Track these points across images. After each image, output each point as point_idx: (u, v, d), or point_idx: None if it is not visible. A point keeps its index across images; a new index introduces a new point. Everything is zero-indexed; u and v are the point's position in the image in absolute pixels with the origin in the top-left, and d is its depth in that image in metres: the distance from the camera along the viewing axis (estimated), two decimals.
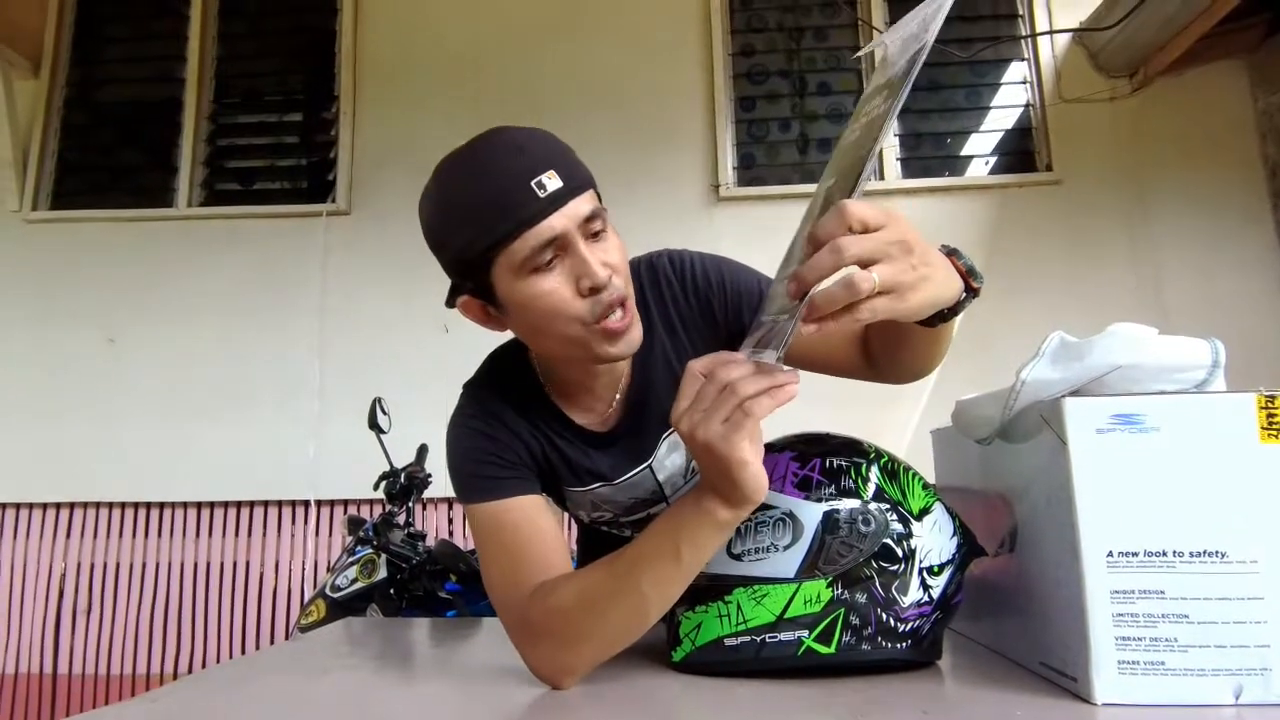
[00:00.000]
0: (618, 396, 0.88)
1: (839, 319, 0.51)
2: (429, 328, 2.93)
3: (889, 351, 0.84)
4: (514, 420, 0.85)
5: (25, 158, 3.22)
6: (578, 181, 0.73)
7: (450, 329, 2.95)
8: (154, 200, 3.22)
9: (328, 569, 2.10)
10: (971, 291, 0.65)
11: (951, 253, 0.65)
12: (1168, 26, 2.55)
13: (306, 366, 3.02)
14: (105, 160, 3.36)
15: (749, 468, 0.60)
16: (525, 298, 0.73)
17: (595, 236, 0.74)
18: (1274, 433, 0.62)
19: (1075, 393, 0.68)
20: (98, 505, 3.00)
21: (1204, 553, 0.61)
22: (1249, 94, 2.91)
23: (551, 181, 0.71)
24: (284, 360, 3.04)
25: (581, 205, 0.72)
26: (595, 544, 1.08)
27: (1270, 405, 0.62)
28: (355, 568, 1.88)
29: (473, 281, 0.77)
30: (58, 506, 3.02)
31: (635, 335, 0.77)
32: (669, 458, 0.91)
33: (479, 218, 0.73)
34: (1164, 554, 0.61)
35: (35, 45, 3.30)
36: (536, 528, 0.78)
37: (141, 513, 3.01)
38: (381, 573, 1.84)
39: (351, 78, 3.26)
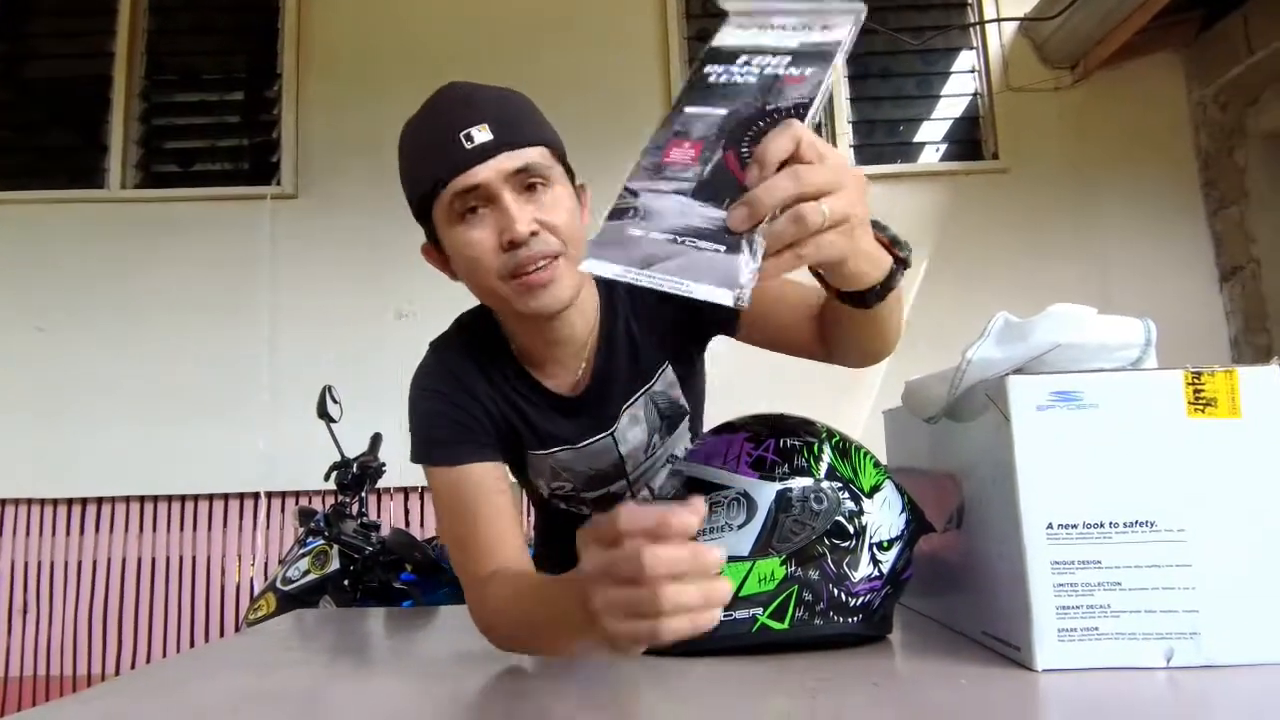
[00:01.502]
0: (583, 364, 0.88)
1: (780, 257, 0.47)
2: (382, 314, 2.87)
3: (838, 333, 0.85)
4: (475, 381, 0.86)
5: None
6: (514, 136, 0.75)
7: (403, 315, 2.89)
8: (85, 182, 3.07)
9: (279, 562, 2.05)
10: (899, 263, 0.62)
11: (872, 225, 0.59)
12: (1107, 19, 2.63)
13: (255, 355, 2.93)
14: (31, 139, 3.19)
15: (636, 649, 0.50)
16: (453, 246, 0.77)
17: (530, 190, 0.75)
18: (1200, 407, 0.65)
19: (1018, 371, 0.70)
20: (29, 502, 2.87)
21: (1136, 523, 0.63)
22: (1184, 86, 3.03)
23: (480, 134, 0.73)
24: (232, 348, 2.95)
25: (512, 159, 0.74)
26: (553, 527, 1.08)
27: (1196, 381, 0.65)
28: (307, 559, 1.84)
29: (426, 227, 0.81)
30: None
31: (559, 292, 0.77)
32: (630, 430, 0.92)
33: (417, 166, 0.78)
34: (1100, 525, 0.63)
35: None
36: (490, 502, 0.80)
37: (77, 509, 2.89)
38: (334, 564, 1.81)
39: (295, 55, 3.15)
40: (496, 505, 0.81)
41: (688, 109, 0.53)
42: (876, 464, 0.77)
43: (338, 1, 3.20)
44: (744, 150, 0.50)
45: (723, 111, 0.52)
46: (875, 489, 0.73)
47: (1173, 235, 2.99)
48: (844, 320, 0.75)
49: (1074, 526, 0.64)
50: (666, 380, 0.92)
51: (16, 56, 3.22)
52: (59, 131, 3.22)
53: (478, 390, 0.86)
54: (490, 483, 0.82)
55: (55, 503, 2.88)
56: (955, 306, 2.78)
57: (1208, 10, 2.86)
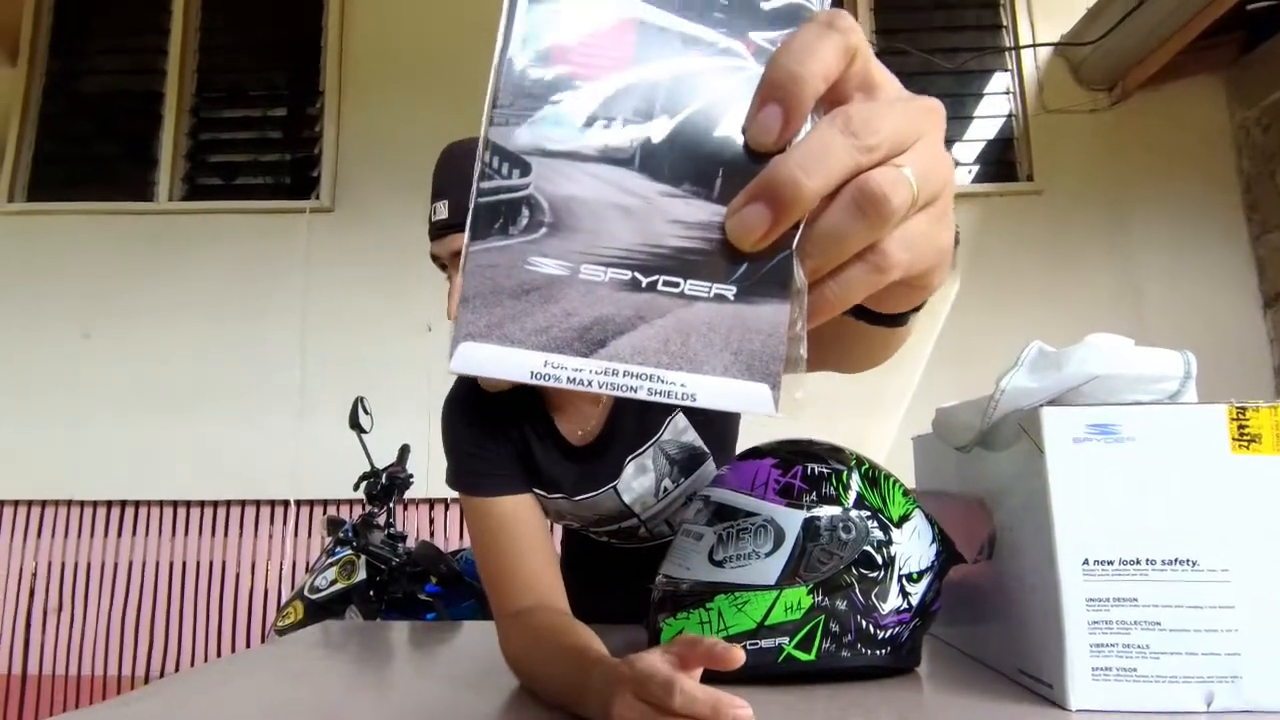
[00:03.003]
0: (601, 413, 0.88)
1: (838, 283, 0.26)
2: (413, 326, 2.91)
3: (837, 346, 0.78)
4: (497, 412, 0.86)
5: (1, 149, 3.16)
6: (464, 216, 0.74)
7: (433, 328, 2.93)
8: (133, 194, 3.17)
9: (306, 570, 2.07)
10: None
11: None
12: (1146, 41, 2.60)
13: (288, 364, 2.98)
14: (84, 152, 3.30)
15: None
16: None
17: None
18: (1244, 443, 0.63)
19: (1053, 402, 0.69)
20: (69, 504, 2.95)
21: (1176, 561, 0.62)
22: (1225, 108, 2.96)
23: (440, 210, 0.75)
24: (265, 358, 3.01)
25: (459, 241, 0.73)
26: (578, 545, 1.08)
27: (1241, 417, 0.63)
28: (334, 569, 1.86)
29: None
30: (29, 504, 2.96)
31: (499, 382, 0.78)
32: (636, 480, 0.90)
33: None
34: (1138, 562, 0.62)
35: (13, 35, 3.24)
36: (521, 535, 0.81)
37: (115, 511, 2.96)
38: (361, 574, 1.83)
39: (337, 73, 3.23)
40: (527, 538, 0.82)
41: None
42: (905, 493, 0.76)
43: (379, 22, 3.28)
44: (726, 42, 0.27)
45: None
46: (904, 518, 0.73)
47: (1212, 260, 2.92)
48: (849, 335, 0.58)
49: (1110, 563, 0.62)
50: (676, 429, 0.89)
51: (69, 73, 3.35)
52: (108, 145, 3.33)
53: (500, 421, 0.86)
54: (522, 514, 0.83)
55: (94, 504, 2.95)
56: (987, 329, 2.74)
57: (1249, 32, 2.80)
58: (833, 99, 0.26)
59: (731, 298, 0.24)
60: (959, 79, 3.11)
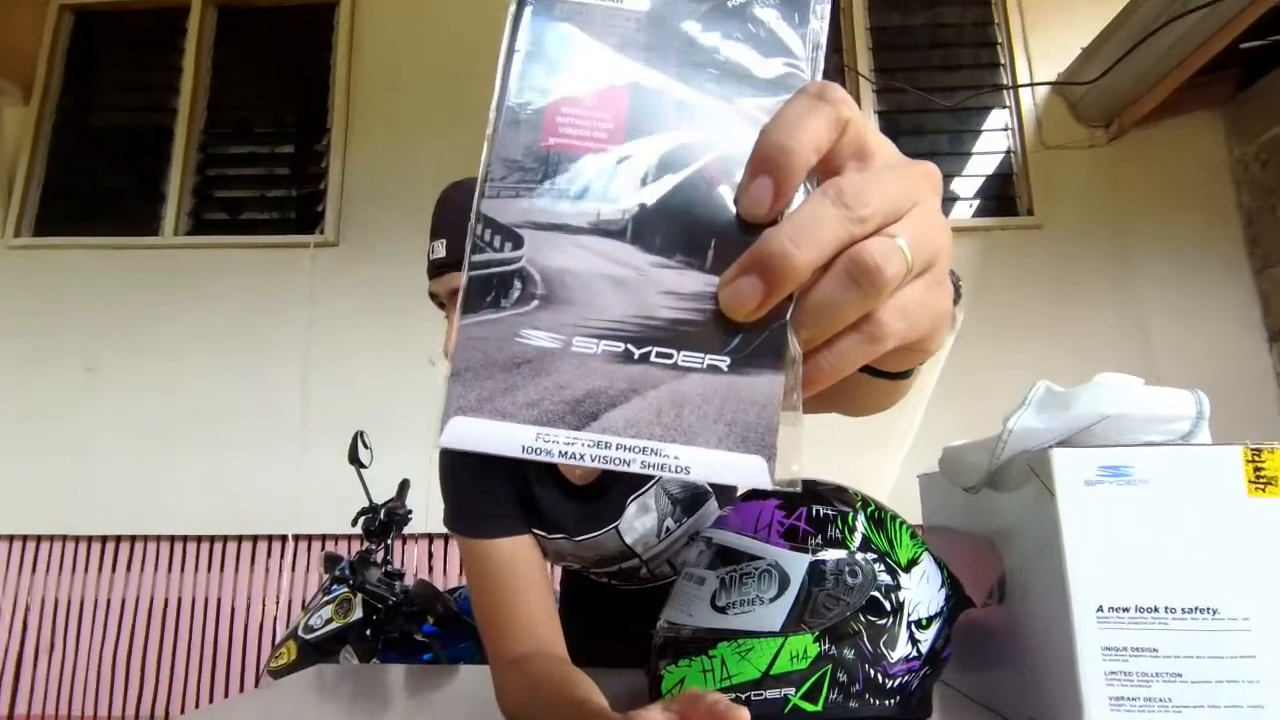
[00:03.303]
0: None
1: (832, 352, 0.26)
2: (415, 361, 2.91)
3: (836, 394, 0.77)
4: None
5: (10, 183, 3.20)
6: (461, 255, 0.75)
7: (436, 362, 2.92)
8: (139, 229, 3.19)
9: (302, 607, 2.04)
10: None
11: None
12: (1143, 79, 2.63)
13: (290, 398, 2.97)
14: (91, 187, 3.34)
15: None
16: None
17: None
18: (1261, 486, 0.62)
19: (1063, 443, 0.67)
20: (64, 539, 2.92)
21: (1195, 609, 0.60)
22: (1224, 144, 2.99)
23: (438, 249, 0.75)
24: (267, 391, 3.00)
25: (458, 279, 0.74)
26: (578, 586, 1.06)
27: (1257, 459, 0.62)
28: (330, 607, 1.83)
29: None
30: (24, 539, 2.93)
31: None
32: (638, 520, 0.88)
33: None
34: (1156, 610, 0.60)
35: (28, 71, 3.30)
36: (519, 580, 0.80)
37: (110, 546, 2.92)
38: (357, 613, 1.79)
39: (344, 110, 3.28)
40: (526, 582, 0.80)
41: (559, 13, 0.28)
42: (913, 535, 0.74)
43: (386, 61, 3.33)
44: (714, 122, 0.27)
45: (641, 9, 0.28)
46: (913, 562, 0.71)
47: (1216, 294, 2.92)
48: (853, 385, 0.56)
49: (1126, 610, 0.60)
50: None
51: (81, 109, 3.40)
52: (116, 180, 3.37)
53: (500, 460, 0.85)
54: (522, 556, 0.81)
55: (89, 540, 2.92)
56: (989, 363, 2.73)
57: (1244, 69, 2.84)
58: (826, 169, 0.26)
59: (725, 369, 0.24)
60: (957, 116, 3.14)
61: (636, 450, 0.23)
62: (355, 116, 3.28)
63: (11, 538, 2.93)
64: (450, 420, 0.23)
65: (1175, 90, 2.67)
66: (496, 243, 0.25)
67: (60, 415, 3.00)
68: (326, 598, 1.87)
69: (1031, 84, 3.00)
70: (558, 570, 1.05)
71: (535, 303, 0.24)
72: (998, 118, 3.17)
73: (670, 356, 0.24)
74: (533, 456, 0.23)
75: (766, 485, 0.24)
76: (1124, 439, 0.67)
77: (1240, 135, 2.95)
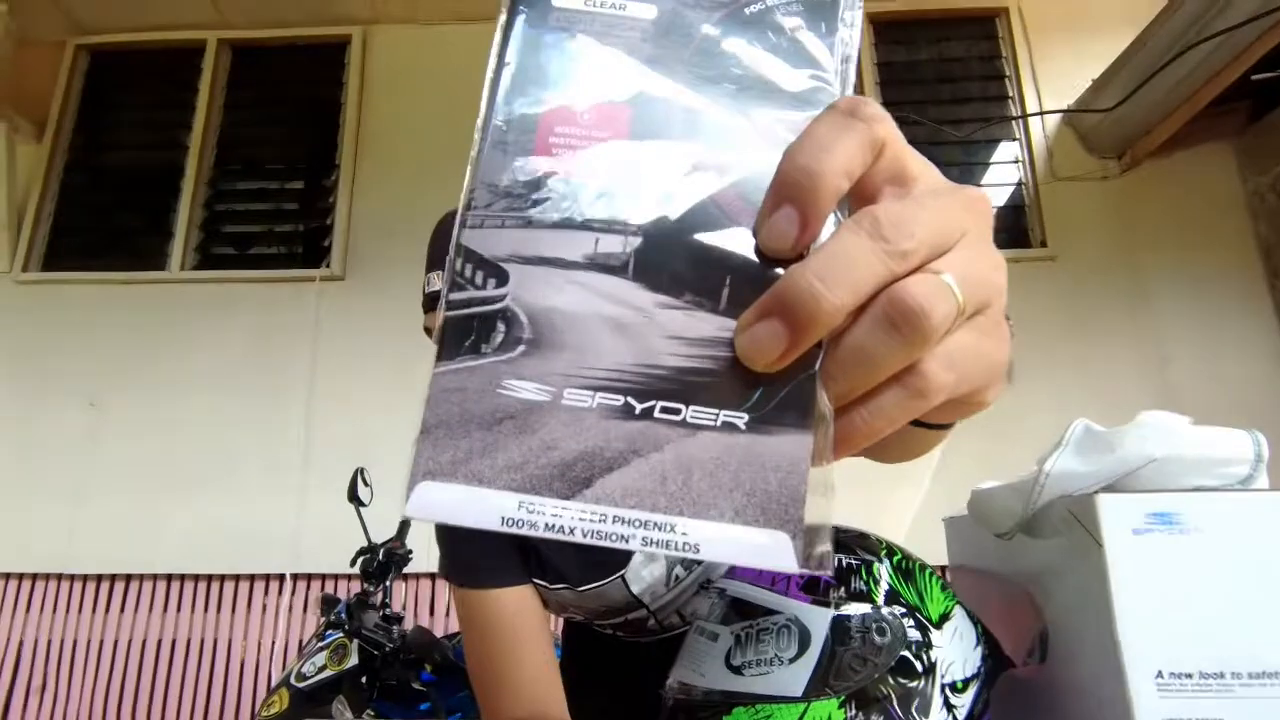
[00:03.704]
0: None
1: (868, 410, 0.23)
2: (419, 396, 2.86)
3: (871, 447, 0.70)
4: None
5: (20, 219, 3.22)
6: None
7: None
8: (147, 264, 3.20)
9: (298, 653, 1.97)
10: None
11: None
12: (1154, 111, 2.61)
13: (292, 434, 2.93)
14: (101, 223, 3.35)
15: None
16: None
17: None
18: None
19: (1108, 488, 0.62)
20: (59, 577, 2.86)
21: (1264, 674, 0.54)
22: (1238, 175, 2.96)
23: (433, 283, 0.74)
24: (269, 427, 2.96)
25: None
26: (581, 638, 1.00)
27: None
28: (325, 653, 1.76)
29: None
30: (20, 577, 2.87)
31: None
32: (645, 568, 0.83)
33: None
34: (1220, 676, 0.54)
35: (42, 110, 3.35)
36: (519, 635, 0.75)
37: (105, 585, 2.86)
38: (353, 659, 1.72)
39: (353, 146, 3.30)
40: (525, 636, 0.75)
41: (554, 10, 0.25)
42: (944, 586, 0.68)
43: (395, 97, 3.36)
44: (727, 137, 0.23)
45: (647, 17, 0.24)
46: (945, 617, 0.65)
47: (1237, 326, 2.86)
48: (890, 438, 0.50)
49: (1189, 676, 0.54)
50: None
51: (93, 146, 3.44)
52: (125, 216, 3.38)
53: None
54: (521, 608, 0.76)
55: (85, 579, 2.86)
56: (1006, 399, 2.65)
57: (1256, 101, 2.82)
58: (859, 196, 0.23)
59: (743, 427, 0.21)
60: (967, 149, 3.13)
61: (637, 524, 0.20)
62: (364, 152, 3.30)
63: (7, 576, 2.87)
64: (417, 486, 0.21)
65: (1186, 122, 2.64)
66: (478, 279, 0.22)
67: (61, 451, 2.96)
68: (321, 643, 1.80)
69: (1041, 112, 2.99)
70: (559, 621, 0.99)
71: (521, 348, 0.21)
72: (1007, 150, 3.16)
73: (678, 412, 0.21)
74: (514, 530, 0.20)
75: (791, 568, 0.20)
76: (1173, 483, 0.61)
77: (1254, 166, 2.92)
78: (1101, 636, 0.58)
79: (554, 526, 0.20)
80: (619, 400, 0.21)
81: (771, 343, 0.20)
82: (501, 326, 0.21)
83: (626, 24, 0.24)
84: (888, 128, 0.23)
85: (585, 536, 0.20)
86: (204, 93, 3.39)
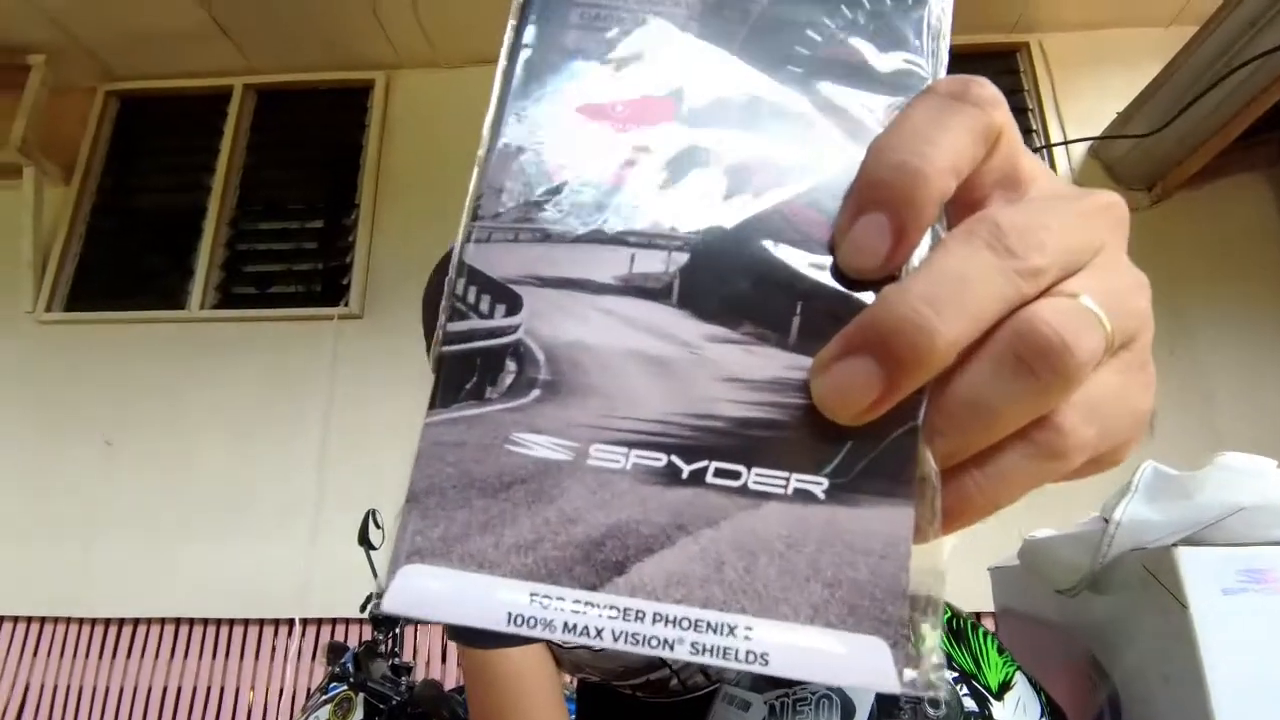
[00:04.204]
0: None
1: (986, 474, 0.18)
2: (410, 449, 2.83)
3: None
4: None
5: (45, 260, 3.27)
6: None
7: None
8: (168, 304, 3.22)
9: (302, 709, 1.89)
10: None
11: None
12: (1184, 141, 2.56)
13: (306, 475, 2.90)
14: (124, 264, 3.40)
15: None
16: None
17: None
18: None
19: (1187, 540, 0.55)
20: (67, 621, 2.81)
21: None
22: (1274, 205, 2.89)
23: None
24: (284, 467, 2.93)
25: None
26: (597, 700, 0.93)
27: None
28: (328, 708, 1.68)
29: None
30: (27, 620, 2.83)
31: None
32: None
33: (427, 333, 0.76)
34: None
35: (71, 154, 3.43)
36: (525, 696, 0.68)
37: (113, 630, 2.81)
38: (358, 714, 1.64)
39: (373, 187, 3.34)
40: (537, 701, 0.69)
41: None
42: (1001, 649, 0.61)
43: (416, 139, 3.41)
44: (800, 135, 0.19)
45: None
46: (1005, 686, 0.57)
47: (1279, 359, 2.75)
48: None
49: None
50: None
51: (119, 189, 3.51)
52: (150, 256, 3.43)
53: None
54: (531, 667, 0.70)
55: (94, 622, 2.81)
56: None
57: None
58: (962, 201, 0.18)
59: (821, 496, 0.16)
60: None
61: (685, 625, 0.15)
62: (384, 192, 3.33)
63: (16, 619, 2.83)
64: (400, 569, 0.16)
65: (1218, 154, 2.59)
66: (484, 305, 0.18)
67: (75, 492, 2.95)
68: (324, 697, 1.73)
69: (1066, 141, 2.95)
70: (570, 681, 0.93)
71: (535, 392, 0.17)
72: None
73: (736, 476, 0.16)
74: (524, 630, 0.15)
75: (890, 686, 0.15)
76: (1264, 535, 0.54)
77: None
78: (1189, 709, 0.51)
79: (575, 627, 0.15)
80: (660, 460, 0.16)
81: (862, 387, 0.16)
82: (511, 365, 0.17)
83: (667, 3, 0.20)
84: (1004, 114, 0.18)
85: (616, 639, 0.15)
86: (228, 135, 3.46)
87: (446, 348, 0.18)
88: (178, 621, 2.79)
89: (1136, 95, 2.68)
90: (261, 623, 2.76)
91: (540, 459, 0.17)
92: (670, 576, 0.15)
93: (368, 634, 1.95)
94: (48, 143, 3.27)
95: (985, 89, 0.18)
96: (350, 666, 1.72)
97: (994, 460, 0.17)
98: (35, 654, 2.80)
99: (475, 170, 0.20)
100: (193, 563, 2.81)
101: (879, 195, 0.17)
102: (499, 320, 0.18)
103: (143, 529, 2.87)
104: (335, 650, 1.82)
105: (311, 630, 2.74)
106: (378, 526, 1.96)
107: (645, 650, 0.15)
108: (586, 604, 0.15)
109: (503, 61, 0.21)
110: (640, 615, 0.15)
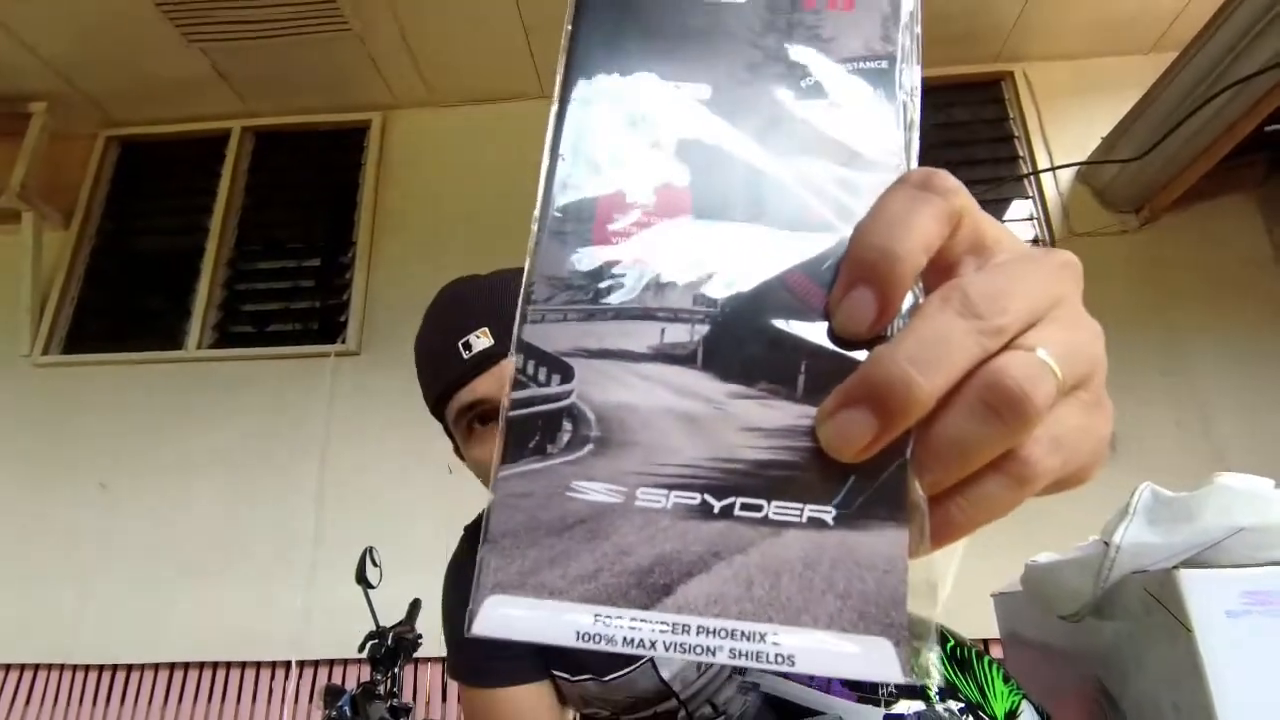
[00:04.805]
0: None
1: (965, 500, 0.21)
2: (433, 473, 2.81)
3: None
4: None
5: (44, 303, 3.28)
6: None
7: (454, 470, 2.83)
8: (166, 344, 3.22)
9: None
10: None
11: None
12: (1170, 164, 2.60)
13: (302, 514, 2.87)
14: (122, 306, 3.41)
15: None
16: (467, 459, 0.72)
17: None
18: None
19: (1188, 562, 0.55)
20: (61, 668, 2.76)
21: None
22: (1262, 226, 2.92)
23: (480, 341, 0.68)
24: (280, 507, 2.90)
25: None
26: None
27: None
28: None
29: (445, 429, 0.77)
30: (20, 667, 2.78)
31: None
32: None
33: (423, 374, 0.77)
34: None
35: (70, 198, 3.46)
36: None
37: (107, 675, 2.75)
38: None
39: (370, 225, 3.36)
40: None
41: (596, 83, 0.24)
42: (1007, 678, 0.60)
43: (412, 178, 3.45)
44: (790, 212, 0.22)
45: (703, 97, 0.23)
46: (1011, 715, 0.56)
47: (1278, 379, 2.75)
48: None
49: None
50: None
51: (119, 233, 3.54)
52: (149, 299, 3.44)
53: None
54: (535, 707, 0.69)
55: (86, 669, 2.76)
56: None
57: (1272, 154, 2.81)
58: (937, 267, 0.22)
59: (831, 522, 0.20)
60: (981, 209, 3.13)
61: (723, 634, 0.19)
62: (380, 230, 3.36)
63: (9, 666, 2.78)
64: (485, 600, 0.19)
65: (1203, 175, 2.63)
66: (541, 375, 0.21)
67: (69, 536, 2.92)
68: None
69: (1054, 167, 2.99)
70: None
71: (589, 447, 0.20)
72: (1021, 208, 3.15)
73: (759, 509, 0.20)
74: (591, 645, 0.19)
75: (895, 677, 0.18)
76: (1266, 556, 0.54)
77: (1278, 218, 2.88)
78: None
79: (632, 640, 0.19)
80: (695, 499, 0.20)
81: (860, 431, 0.19)
82: (568, 425, 0.21)
83: (683, 103, 0.24)
84: (964, 199, 0.22)
85: (667, 649, 0.19)
86: (226, 177, 3.50)
87: (512, 414, 0.21)
88: (172, 666, 2.74)
89: (1120, 121, 2.73)
90: (258, 665, 2.72)
91: (596, 503, 0.20)
92: (709, 595, 0.19)
93: (366, 675, 1.91)
94: (47, 188, 3.31)
95: (947, 180, 0.22)
96: (348, 710, 1.68)
97: (972, 488, 0.21)
98: (28, 702, 2.74)
99: (527, 260, 0.23)
100: (188, 605, 2.77)
101: (865, 273, 0.20)
102: (555, 388, 0.21)
103: (137, 572, 2.84)
104: (332, 693, 1.79)
105: (309, 672, 2.69)
106: (375, 565, 1.94)
107: (691, 656, 0.18)
108: (641, 621, 0.19)
109: (544, 165, 0.24)
110: (686, 628, 0.19)
